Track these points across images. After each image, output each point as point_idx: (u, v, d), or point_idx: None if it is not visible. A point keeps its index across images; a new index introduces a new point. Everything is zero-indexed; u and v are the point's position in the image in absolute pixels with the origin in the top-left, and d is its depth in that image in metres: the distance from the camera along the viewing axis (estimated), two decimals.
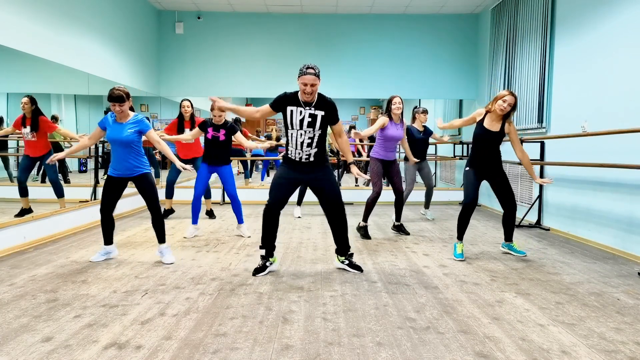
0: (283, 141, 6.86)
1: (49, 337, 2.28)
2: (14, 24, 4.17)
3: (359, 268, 3.54)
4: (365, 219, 4.75)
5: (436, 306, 2.77)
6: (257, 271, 3.38)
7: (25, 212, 4.71)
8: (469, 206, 3.85)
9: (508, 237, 4.05)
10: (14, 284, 3.11)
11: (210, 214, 5.92)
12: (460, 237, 3.96)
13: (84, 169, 7.27)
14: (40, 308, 2.66)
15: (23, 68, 5.01)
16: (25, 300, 2.80)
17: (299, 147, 3.29)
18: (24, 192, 4.80)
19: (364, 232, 4.74)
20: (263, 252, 3.41)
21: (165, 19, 7.60)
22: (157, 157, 8.32)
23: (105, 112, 3.67)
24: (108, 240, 3.73)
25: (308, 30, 7.68)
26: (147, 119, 7.81)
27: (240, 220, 4.77)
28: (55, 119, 6.15)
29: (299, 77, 3.20)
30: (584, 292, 3.08)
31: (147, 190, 3.63)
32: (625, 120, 4.14)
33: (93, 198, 5.65)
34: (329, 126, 3.36)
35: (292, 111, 3.25)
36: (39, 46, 4.54)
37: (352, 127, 10.99)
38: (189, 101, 5.65)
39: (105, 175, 3.67)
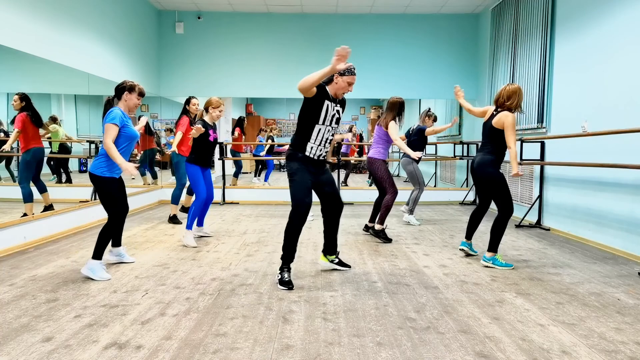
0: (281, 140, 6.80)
1: (49, 337, 2.28)
2: (14, 24, 4.17)
3: (348, 265, 3.57)
4: (383, 221, 4.60)
5: (436, 306, 2.77)
6: (290, 285, 3.08)
7: (46, 209, 4.75)
8: (511, 215, 3.62)
9: (494, 247, 3.68)
10: (14, 284, 3.11)
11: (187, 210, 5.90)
12: (497, 248, 3.66)
13: (84, 169, 7.27)
14: (40, 308, 2.66)
15: (23, 68, 5.00)
16: (25, 300, 2.80)
17: (322, 144, 3.16)
18: (39, 189, 4.84)
19: (384, 235, 4.59)
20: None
21: (165, 19, 7.61)
22: (158, 157, 8.32)
23: (108, 106, 3.39)
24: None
25: (308, 30, 7.68)
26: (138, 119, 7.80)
27: (201, 223, 4.70)
28: (54, 119, 6.15)
29: (345, 74, 3.03)
30: (584, 292, 3.08)
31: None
32: (626, 120, 4.14)
33: (93, 198, 5.65)
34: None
35: (328, 106, 3.10)
36: (39, 46, 4.54)
37: (351, 127, 10.96)
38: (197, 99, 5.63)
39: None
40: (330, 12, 7.63)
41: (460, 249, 4.03)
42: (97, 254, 3.26)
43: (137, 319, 2.52)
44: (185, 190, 5.64)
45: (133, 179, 7.67)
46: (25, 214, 4.53)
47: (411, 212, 5.65)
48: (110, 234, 3.29)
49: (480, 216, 3.88)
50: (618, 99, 4.27)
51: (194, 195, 4.36)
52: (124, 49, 6.40)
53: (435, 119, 5.76)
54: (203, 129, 4.13)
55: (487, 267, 3.66)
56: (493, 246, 3.64)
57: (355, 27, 7.71)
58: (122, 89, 3.30)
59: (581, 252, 4.23)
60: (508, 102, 3.59)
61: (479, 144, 3.90)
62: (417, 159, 4.96)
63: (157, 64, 7.59)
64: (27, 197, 4.71)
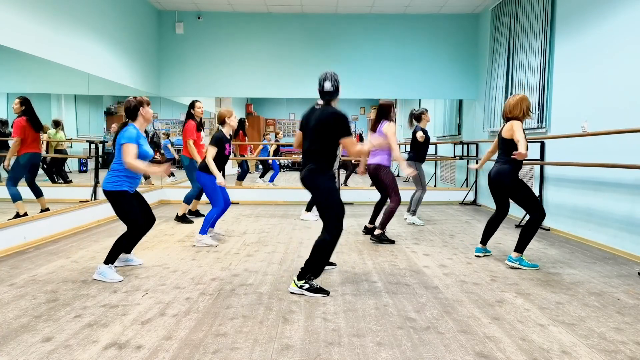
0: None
1: (49, 337, 2.28)
2: (14, 24, 4.17)
3: (333, 264, 3.53)
4: (384, 227, 4.54)
5: (436, 306, 2.77)
6: (326, 290, 3.00)
7: (42, 212, 4.78)
8: (543, 217, 3.63)
9: (521, 248, 3.70)
10: (14, 284, 3.11)
11: (197, 214, 5.90)
12: (524, 249, 3.69)
13: (84, 169, 7.28)
14: (40, 308, 2.66)
15: (23, 68, 5.00)
16: (25, 300, 2.80)
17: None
18: (35, 194, 4.87)
19: (386, 238, 4.53)
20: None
21: (165, 19, 7.60)
22: (157, 157, 8.31)
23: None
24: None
25: (308, 30, 7.68)
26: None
27: (213, 225, 4.66)
28: (57, 124, 6.16)
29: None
30: (584, 292, 3.08)
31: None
32: (626, 120, 4.14)
33: (93, 198, 5.66)
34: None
35: None
36: (39, 46, 4.54)
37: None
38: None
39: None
40: (330, 12, 7.63)
41: (475, 256, 4.00)
42: (109, 259, 3.24)
43: (137, 319, 2.52)
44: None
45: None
46: (17, 213, 4.51)
47: (414, 213, 5.65)
48: (127, 244, 3.31)
49: (498, 223, 3.91)
50: (618, 99, 4.27)
51: (212, 204, 4.33)
52: (124, 49, 6.40)
53: (426, 111, 5.67)
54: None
55: (513, 268, 3.64)
56: (520, 247, 3.66)
57: (355, 27, 7.71)
58: (135, 108, 3.28)
59: (581, 252, 4.23)
60: (510, 114, 3.68)
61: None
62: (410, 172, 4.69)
63: (157, 64, 7.59)
64: (15, 197, 4.68)
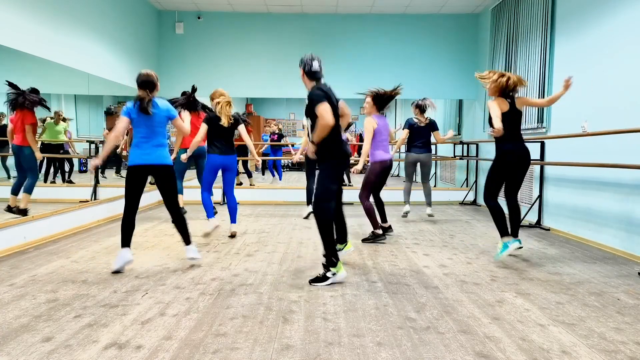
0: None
1: (49, 337, 2.28)
2: (14, 24, 4.17)
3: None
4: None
5: (436, 306, 2.77)
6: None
7: (9, 209, 4.86)
8: None
9: (514, 232, 3.92)
10: (14, 284, 3.11)
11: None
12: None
13: (84, 169, 7.28)
14: (40, 308, 2.66)
15: (23, 68, 5.01)
16: (25, 300, 2.80)
17: None
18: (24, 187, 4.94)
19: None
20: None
21: (165, 19, 7.61)
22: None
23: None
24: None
25: (308, 30, 7.68)
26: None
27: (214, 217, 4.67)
28: (61, 116, 6.17)
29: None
30: (584, 292, 3.08)
31: None
32: (626, 120, 4.14)
33: (93, 198, 5.65)
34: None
35: None
36: (39, 46, 4.54)
37: (349, 125, 10.92)
38: None
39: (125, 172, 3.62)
40: (330, 12, 7.63)
41: (519, 248, 3.79)
42: (189, 239, 3.58)
43: (137, 319, 2.52)
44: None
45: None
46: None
47: (430, 204, 5.92)
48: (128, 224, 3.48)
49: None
50: (618, 99, 4.27)
51: (232, 188, 4.62)
52: (124, 49, 6.40)
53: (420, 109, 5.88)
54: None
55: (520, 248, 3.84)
56: (518, 231, 3.97)
57: (355, 27, 7.71)
58: (156, 81, 3.44)
59: (581, 252, 4.23)
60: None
61: (508, 134, 3.76)
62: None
63: (157, 64, 7.59)
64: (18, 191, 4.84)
